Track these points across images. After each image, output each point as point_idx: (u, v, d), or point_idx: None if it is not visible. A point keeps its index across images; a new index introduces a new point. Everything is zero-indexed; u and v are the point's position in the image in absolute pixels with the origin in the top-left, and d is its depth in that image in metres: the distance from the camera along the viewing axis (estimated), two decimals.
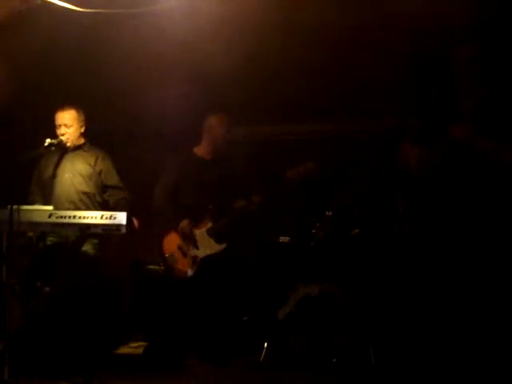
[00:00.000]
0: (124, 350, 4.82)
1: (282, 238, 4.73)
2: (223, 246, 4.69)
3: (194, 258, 4.70)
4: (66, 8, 4.20)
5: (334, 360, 4.19)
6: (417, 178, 3.47)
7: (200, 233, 4.75)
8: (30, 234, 4.25)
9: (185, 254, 4.73)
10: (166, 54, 4.85)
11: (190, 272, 4.68)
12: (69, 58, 4.94)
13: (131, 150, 5.39)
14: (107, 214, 4.00)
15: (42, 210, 4.06)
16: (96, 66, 5.01)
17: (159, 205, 4.87)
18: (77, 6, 4.21)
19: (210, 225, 4.75)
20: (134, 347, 4.86)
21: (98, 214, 4.02)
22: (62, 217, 4.00)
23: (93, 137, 4.96)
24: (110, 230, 4.00)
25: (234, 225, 4.75)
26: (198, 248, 4.71)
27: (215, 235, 4.73)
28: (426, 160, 3.40)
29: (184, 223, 4.74)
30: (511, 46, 3.41)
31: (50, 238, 4.52)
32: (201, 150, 4.99)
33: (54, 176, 4.76)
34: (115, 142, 5.26)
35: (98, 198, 4.79)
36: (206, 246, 4.70)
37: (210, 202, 4.76)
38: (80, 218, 4.00)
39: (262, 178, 4.94)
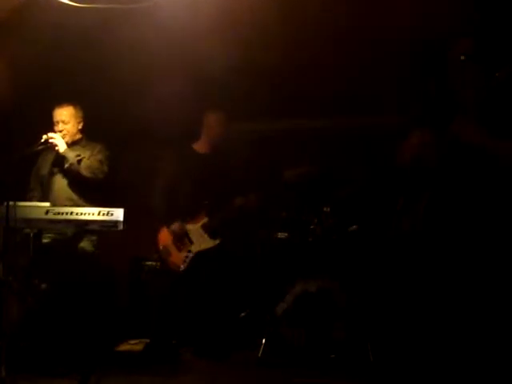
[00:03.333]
0: (123, 346, 4.80)
1: (280, 234, 4.72)
2: (217, 241, 4.77)
3: (188, 252, 4.75)
4: (64, 4, 4.18)
5: (333, 356, 4.18)
6: (417, 176, 3.46)
7: (195, 227, 4.81)
8: (27, 230, 4.24)
9: (179, 248, 4.79)
10: (164, 50, 4.84)
11: (182, 266, 4.73)
12: (67, 55, 4.93)
13: (131, 147, 5.37)
14: (104, 210, 3.99)
15: (38, 207, 4.05)
16: (95, 62, 5.00)
17: (156, 205, 4.90)
18: (75, 2, 4.19)
19: (205, 220, 4.81)
20: (133, 344, 4.84)
21: (96, 210, 4.01)
22: (58, 213, 3.99)
23: (92, 134, 4.95)
24: (108, 226, 4.00)
25: (229, 221, 4.80)
26: (192, 242, 4.78)
27: (210, 231, 4.79)
28: (429, 154, 3.39)
29: (175, 225, 4.81)
30: (506, 43, 3.38)
31: (47, 235, 4.51)
32: (199, 146, 5.03)
33: (51, 173, 4.76)
34: (115, 140, 5.24)
35: (97, 194, 4.78)
36: (201, 241, 4.77)
37: (206, 197, 4.81)
38: (77, 214, 3.99)
39: (259, 175, 4.97)
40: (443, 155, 3.31)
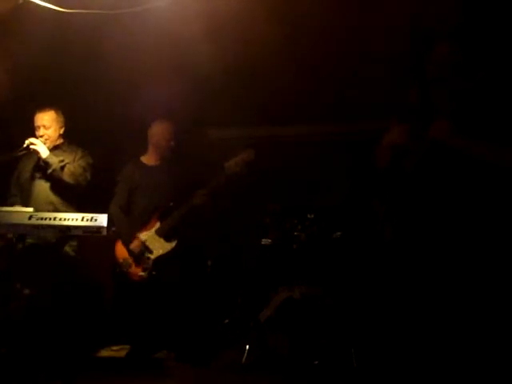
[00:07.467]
0: (105, 353, 4.77)
1: (264, 241, 4.73)
2: (173, 243, 4.80)
3: (148, 258, 4.77)
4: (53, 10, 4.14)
5: (316, 362, 4.19)
6: (395, 179, 3.48)
7: (150, 234, 4.83)
8: (10, 235, 4.20)
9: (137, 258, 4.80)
10: (155, 55, 4.83)
11: (144, 273, 4.73)
12: (61, 59, 4.90)
13: (118, 150, 5.36)
14: (88, 215, 3.96)
15: (21, 212, 4.01)
16: (87, 67, 4.97)
17: (113, 218, 4.86)
18: (65, 8, 4.16)
19: (157, 225, 4.85)
20: (116, 350, 4.81)
21: (79, 215, 3.97)
22: (42, 219, 3.95)
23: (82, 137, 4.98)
24: (91, 231, 3.97)
25: (180, 222, 4.82)
26: (151, 251, 4.79)
27: (164, 234, 4.82)
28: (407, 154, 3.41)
29: (133, 244, 4.81)
30: (486, 48, 3.43)
31: (28, 240, 4.46)
32: (146, 158, 5.10)
33: (32, 177, 4.73)
34: (102, 143, 5.24)
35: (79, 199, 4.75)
36: (158, 247, 4.80)
37: (157, 204, 4.88)
38: (60, 219, 3.95)
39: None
40: (420, 160, 3.34)
